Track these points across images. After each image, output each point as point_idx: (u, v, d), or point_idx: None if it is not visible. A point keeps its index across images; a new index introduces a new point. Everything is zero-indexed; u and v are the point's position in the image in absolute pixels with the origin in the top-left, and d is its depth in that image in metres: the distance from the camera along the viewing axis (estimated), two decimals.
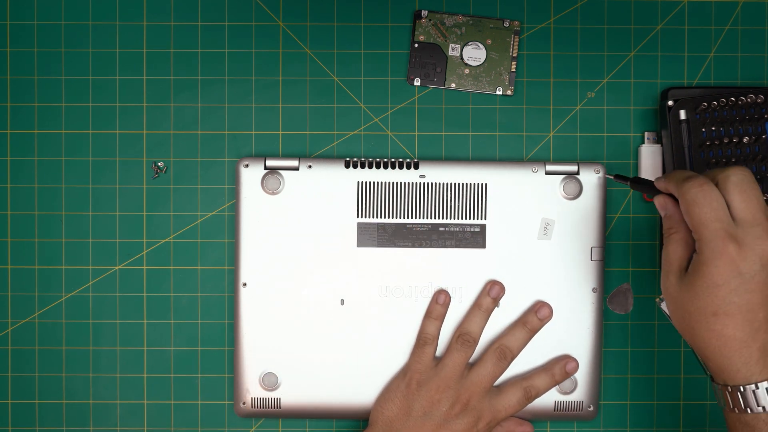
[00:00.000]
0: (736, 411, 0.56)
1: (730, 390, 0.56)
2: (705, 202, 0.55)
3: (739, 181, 0.56)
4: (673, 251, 0.59)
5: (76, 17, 0.74)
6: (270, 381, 0.72)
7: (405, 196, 0.71)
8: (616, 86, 0.74)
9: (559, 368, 0.71)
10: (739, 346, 0.55)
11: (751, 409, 0.56)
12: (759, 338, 0.55)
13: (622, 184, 0.69)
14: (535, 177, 0.71)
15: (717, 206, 0.55)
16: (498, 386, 0.71)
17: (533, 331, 0.71)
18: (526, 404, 0.70)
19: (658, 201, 0.60)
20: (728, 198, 0.56)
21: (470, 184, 0.71)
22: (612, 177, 0.68)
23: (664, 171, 0.73)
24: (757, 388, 0.55)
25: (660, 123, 0.73)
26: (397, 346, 0.72)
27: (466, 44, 0.74)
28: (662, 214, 0.61)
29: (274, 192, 0.71)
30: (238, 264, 0.71)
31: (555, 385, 0.71)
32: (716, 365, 0.57)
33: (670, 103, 0.71)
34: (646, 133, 0.73)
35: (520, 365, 0.71)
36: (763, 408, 0.55)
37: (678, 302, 0.57)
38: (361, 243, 0.71)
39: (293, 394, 0.72)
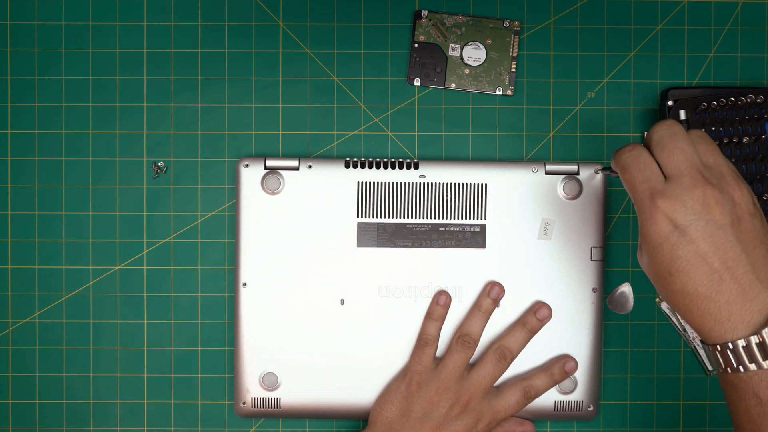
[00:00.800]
0: (719, 371, 0.55)
1: (710, 349, 0.55)
2: (633, 165, 0.56)
3: (659, 138, 0.56)
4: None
5: (76, 17, 0.74)
6: (270, 381, 0.72)
7: (405, 196, 0.71)
8: (616, 86, 0.74)
9: (558, 368, 0.71)
10: (705, 302, 0.54)
11: (731, 369, 0.54)
12: (724, 291, 0.53)
13: (611, 175, 0.70)
14: (535, 177, 0.71)
15: (644, 167, 0.55)
16: (497, 387, 0.71)
17: (533, 332, 0.71)
18: (526, 404, 0.70)
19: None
20: (656, 157, 0.56)
21: (470, 184, 0.71)
22: (600, 171, 0.69)
23: None
24: (732, 347, 0.53)
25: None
26: (397, 347, 0.72)
27: (466, 44, 0.74)
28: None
29: (274, 192, 0.71)
30: (238, 264, 0.72)
31: (554, 385, 0.71)
32: (694, 326, 0.55)
33: (670, 103, 0.71)
34: (646, 133, 0.73)
35: (519, 365, 0.71)
36: (742, 367, 0.53)
37: (647, 273, 0.57)
38: (361, 243, 0.71)
39: (293, 394, 0.72)
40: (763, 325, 0.53)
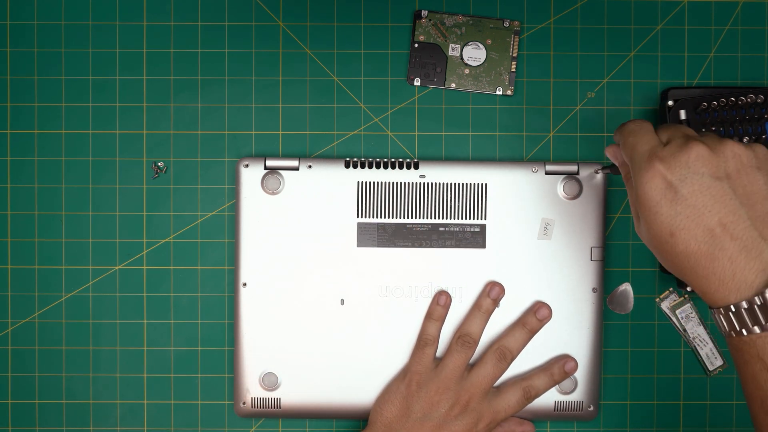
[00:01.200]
0: (725, 336, 0.55)
1: (713, 312, 0.55)
2: (639, 131, 0.57)
3: (662, 124, 0.58)
4: (632, 194, 0.59)
5: (76, 17, 0.74)
6: (270, 381, 0.72)
7: (405, 196, 0.71)
8: (616, 86, 0.74)
9: (558, 368, 0.71)
10: (708, 260, 0.54)
11: (734, 333, 0.54)
12: (726, 248, 0.53)
13: (612, 173, 0.70)
14: (535, 177, 0.71)
15: (647, 132, 0.57)
16: (497, 387, 0.71)
17: (532, 332, 0.71)
18: (526, 404, 0.70)
19: (608, 151, 0.62)
20: (657, 133, 0.58)
21: (470, 184, 0.71)
22: (600, 171, 0.70)
23: None
24: (735, 309, 0.53)
25: (660, 123, 0.73)
26: (397, 347, 0.72)
27: (466, 44, 0.74)
28: (617, 164, 0.62)
29: (274, 192, 0.71)
30: (238, 264, 0.72)
31: (554, 385, 0.71)
32: (699, 289, 0.55)
33: (670, 103, 0.71)
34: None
35: (520, 365, 0.71)
36: (746, 330, 0.53)
37: (649, 242, 0.57)
38: (361, 243, 0.71)
39: (293, 394, 0.72)
40: (765, 286, 0.53)
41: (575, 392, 0.72)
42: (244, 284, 0.71)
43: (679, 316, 0.74)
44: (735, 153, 0.55)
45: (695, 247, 0.54)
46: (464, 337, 0.70)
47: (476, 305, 0.71)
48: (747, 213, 0.54)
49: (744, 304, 0.53)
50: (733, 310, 0.53)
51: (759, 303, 0.52)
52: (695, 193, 0.54)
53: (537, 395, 0.70)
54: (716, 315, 0.55)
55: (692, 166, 0.54)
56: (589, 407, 0.72)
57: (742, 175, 0.54)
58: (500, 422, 0.70)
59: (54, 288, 0.74)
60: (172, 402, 0.74)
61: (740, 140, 0.70)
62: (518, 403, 0.70)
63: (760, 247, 0.53)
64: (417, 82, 0.74)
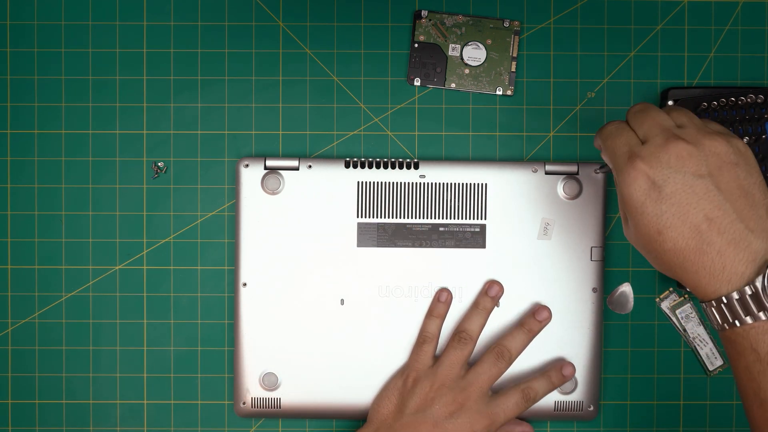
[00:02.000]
0: (718, 330, 0.55)
1: (705, 306, 0.55)
2: (617, 133, 0.57)
3: (634, 112, 0.58)
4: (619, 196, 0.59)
5: (76, 17, 0.74)
6: (270, 381, 0.72)
7: (405, 196, 0.71)
8: (616, 86, 0.74)
9: (556, 372, 0.71)
10: (697, 255, 0.54)
11: (728, 324, 0.54)
12: (714, 242, 0.54)
13: (608, 172, 0.69)
14: (535, 177, 0.71)
15: (624, 133, 0.57)
16: (496, 389, 0.71)
17: (532, 334, 0.71)
18: (525, 407, 0.70)
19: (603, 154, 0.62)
20: (633, 128, 0.57)
21: (470, 184, 0.71)
22: (600, 171, 0.70)
23: None
24: (726, 300, 0.53)
25: None
26: (397, 346, 0.72)
27: (466, 44, 0.74)
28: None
29: (274, 192, 0.71)
30: (238, 264, 0.72)
31: (554, 389, 0.71)
32: (691, 284, 0.55)
33: (671, 103, 0.71)
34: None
35: (519, 366, 0.71)
36: (738, 321, 0.53)
37: (637, 243, 0.57)
38: (361, 243, 0.71)
39: (293, 394, 0.72)
40: (756, 275, 0.53)
41: (575, 392, 0.72)
42: (244, 284, 0.71)
43: (679, 316, 0.74)
44: (713, 152, 0.55)
45: (683, 243, 0.54)
46: (461, 333, 0.70)
47: (475, 303, 0.71)
48: (732, 207, 0.54)
49: (735, 295, 0.53)
50: (725, 301, 0.54)
51: (750, 292, 0.53)
52: (679, 192, 0.54)
53: (536, 398, 0.70)
54: (708, 308, 0.55)
55: (674, 166, 0.54)
56: (589, 407, 0.72)
57: (723, 172, 0.55)
58: (500, 426, 0.70)
59: (54, 288, 0.74)
60: (172, 402, 0.74)
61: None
62: (516, 406, 0.70)
63: (748, 239, 0.53)
64: (417, 82, 0.74)
